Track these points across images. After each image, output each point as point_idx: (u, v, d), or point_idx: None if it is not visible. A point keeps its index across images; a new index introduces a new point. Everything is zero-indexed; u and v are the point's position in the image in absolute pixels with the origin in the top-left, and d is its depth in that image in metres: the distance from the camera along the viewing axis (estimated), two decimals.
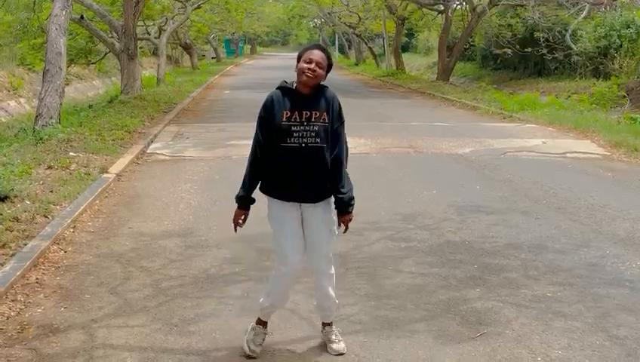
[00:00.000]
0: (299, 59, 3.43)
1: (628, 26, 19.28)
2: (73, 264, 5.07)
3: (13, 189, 6.40)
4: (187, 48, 35.50)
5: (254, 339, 3.64)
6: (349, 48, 48.60)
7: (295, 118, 3.38)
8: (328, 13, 39.08)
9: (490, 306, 4.29)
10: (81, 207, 6.37)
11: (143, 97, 16.07)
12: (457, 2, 25.24)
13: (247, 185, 3.53)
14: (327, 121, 3.40)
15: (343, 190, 3.45)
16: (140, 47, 20.68)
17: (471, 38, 25.71)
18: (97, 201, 6.88)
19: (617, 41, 19.22)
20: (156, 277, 4.82)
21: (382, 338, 3.85)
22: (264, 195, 3.56)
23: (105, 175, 7.84)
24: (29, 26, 18.29)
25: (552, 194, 7.32)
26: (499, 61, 25.53)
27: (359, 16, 34.95)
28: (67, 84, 15.37)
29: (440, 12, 26.61)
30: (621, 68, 18.27)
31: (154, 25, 24.95)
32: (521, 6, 22.12)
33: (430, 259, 5.21)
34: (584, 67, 20.37)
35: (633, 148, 9.82)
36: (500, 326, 4.01)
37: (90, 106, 15.48)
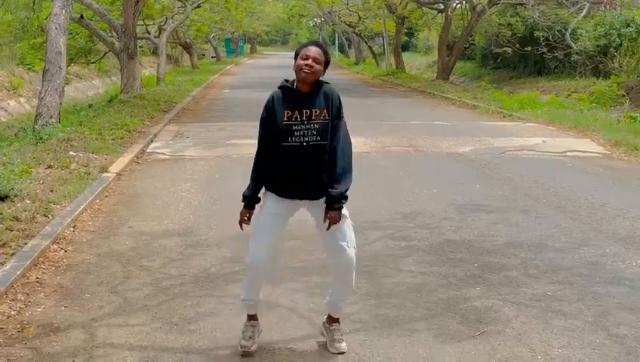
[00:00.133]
0: (296, 56, 3.43)
1: (628, 25, 19.27)
2: (73, 263, 5.07)
3: (13, 189, 6.41)
4: (187, 47, 35.49)
5: (243, 334, 3.66)
6: (349, 47, 48.59)
7: (296, 117, 3.38)
8: (328, 12, 39.07)
9: (490, 305, 4.30)
10: (81, 207, 6.37)
11: (143, 96, 16.07)
12: (457, 1, 25.24)
13: (253, 186, 3.56)
14: (327, 118, 3.40)
15: (335, 185, 3.38)
16: (140, 47, 20.66)
17: (471, 37, 25.70)
18: (97, 201, 6.88)
19: (617, 39, 19.22)
20: (156, 276, 4.82)
21: (382, 336, 3.85)
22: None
23: (105, 174, 7.84)
24: (28, 25, 18.27)
25: (552, 192, 7.32)
26: (499, 60, 25.52)
27: (359, 15, 34.93)
28: (67, 84, 15.37)
29: (440, 11, 26.60)
30: (621, 67, 18.27)
31: (154, 24, 24.94)
32: (521, 5, 22.11)
33: (430, 258, 5.22)
34: (584, 66, 20.37)
35: (633, 147, 9.82)
36: (500, 324, 4.01)
37: (90, 106, 15.46)
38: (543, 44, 19.93)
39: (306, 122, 3.38)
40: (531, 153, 9.78)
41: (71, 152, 8.75)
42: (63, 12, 10.55)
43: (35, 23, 17.18)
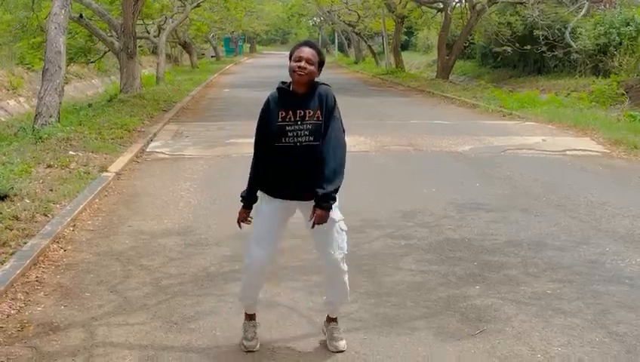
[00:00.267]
0: (290, 57, 3.43)
1: (627, 24, 19.27)
2: (73, 262, 5.07)
3: (12, 188, 6.41)
4: (186, 47, 35.47)
5: (245, 335, 3.68)
6: (349, 47, 48.58)
7: (290, 118, 3.39)
8: (327, 12, 39.04)
9: (490, 303, 4.30)
10: (81, 206, 6.37)
11: (143, 96, 16.06)
12: (457, 0, 25.24)
13: (251, 187, 3.57)
14: (321, 118, 3.40)
15: (324, 185, 3.32)
16: (139, 46, 20.66)
17: (470, 36, 25.70)
18: (97, 200, 6.88)
19: (617, 38, 19.22)
20: (156, 276, 4.82)
21: (382, 335, 3.85)
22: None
23: (104, 174, 7.84)
24: (28, 24, 18.27)
25: (552, 191, 7.33)
26: (498, 59, 25.54)
27: (358, 15, 34.92)
28: (66, 83, 15.38)
29: (439, 10, 26.60)
30: (620, 65, 18.26)
31: (153, 23, 24.92)
32: (521, 4, 22.10)
33: (430, 257, 5.22)
34: (584, 65, 20.38)
35: (633, 146, 9.81)
36: (500, 323, 4.01)
37: (90, 105, 15.45)
38: (543, 42, 19.93)
39: (299, 122, 3.38)
40: (531, 152, 9.78)
41: (70, 152, 8.75)
42: (63, 11, 10.55)
43: (35, 22, 17.18)
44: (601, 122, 11.91)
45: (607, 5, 21.52)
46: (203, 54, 46.03)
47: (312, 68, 3.37)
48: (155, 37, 24.72)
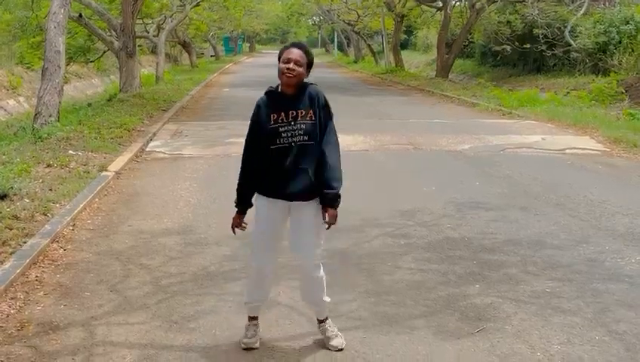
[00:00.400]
0: (279, 59, 3.44)
1: (627, 22, 19.26)
2: (73, 262, 5.08)
3: (12, 188, 6.41)
4: (186, 46, 35.47)
5: (246, 333, 3.70)
6: (348, 46, 48.57)
7: (282, 119, 3.40)
8: (327, 11, 39.05)
9: (490, 302, 4.30)
10: (81, 205, 6.37)
11: (142, 95, 16.06)
12: None
13: (240, 195, 3.59)
14: (314, 118, 3.42)
15: (333, 184, 3.41)
16: (139, 46, 20.67)
17: (470, 34, 25.70)
18: (97, 199, 6.88)
19: (616, 37, 19.21)
20: (156, 275, 4.82)
21: (381, 334, 3.86)
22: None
23: (104, 173, 7.84)
24: (27, 24, 18.29)
25: (551, 190, 7.33)
26: (498, 58, 25.53)
27: (358, 14, 34.93)
28: (66, 83, 15.38)
29: (439, 9, 26.60)
30: (620, 64, 18.25)
31: (153, 23, 24.93)
32: (520, 2, 22.11)
33: (429, 256, 5.22)
34: (583, 63, 20.36)
35: (632, 144, 9.82)
36: (500, 321, 4.02)
37: (89, 105, 15.45)
38: (542, 41, 19.92)
39: (292, 123, 3.40)
40: (530, 151, 9.78)
41: (70, 151, 8.75)
42: (62, 11, 10.54)
43: (34, 22, 17.19)
44: (601, 121, 11.92)
45: (607, 4, 21.51)
46: (202, 53, 46.03)
47: (300, 69, 3.39)
48: (154, 36, 24.73)
